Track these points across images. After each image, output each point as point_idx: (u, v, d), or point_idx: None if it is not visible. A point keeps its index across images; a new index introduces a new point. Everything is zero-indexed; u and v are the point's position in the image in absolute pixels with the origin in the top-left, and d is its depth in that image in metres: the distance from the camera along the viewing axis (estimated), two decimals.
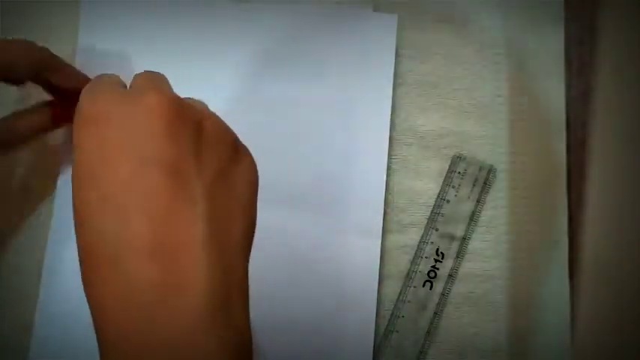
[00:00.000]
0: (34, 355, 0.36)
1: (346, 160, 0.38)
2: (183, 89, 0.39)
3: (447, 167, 0.39)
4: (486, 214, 0.39)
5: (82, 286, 0.23)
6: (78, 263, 0.24)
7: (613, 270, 0.33)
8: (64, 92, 0.32)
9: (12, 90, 0.41)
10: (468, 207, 0.39)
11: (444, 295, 0.38)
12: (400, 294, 0.38)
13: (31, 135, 0.33)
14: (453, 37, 0.41)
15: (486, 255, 0.39)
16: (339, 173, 0.38)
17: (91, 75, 0.37)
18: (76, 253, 0.23)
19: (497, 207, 0.39)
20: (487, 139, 0.40)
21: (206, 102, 0.38)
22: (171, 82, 0.39)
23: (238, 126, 0.38)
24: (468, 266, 0.38)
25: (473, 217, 0.39)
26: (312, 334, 0.37)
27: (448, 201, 0.39)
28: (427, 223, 0.39)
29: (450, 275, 0.38)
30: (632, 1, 0.34)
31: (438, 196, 0.39)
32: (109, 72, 0.32)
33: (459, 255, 0.38)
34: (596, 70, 0.37)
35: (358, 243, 0.37)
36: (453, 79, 0.40)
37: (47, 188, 0.37)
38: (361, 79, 0.39)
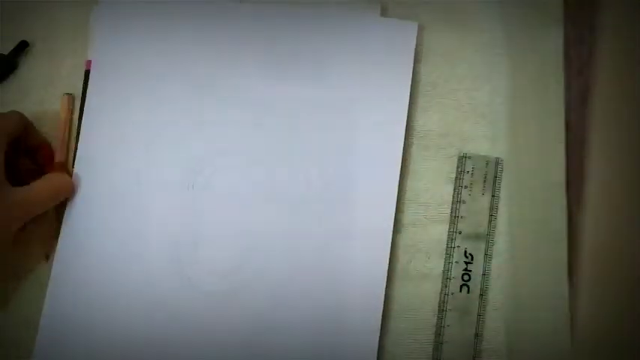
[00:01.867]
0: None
1: (361, 163, 0.38)
2: (191, 92, 0.39)
3: (447, 167, 0.39)
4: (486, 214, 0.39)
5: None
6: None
7: (612, 270, 0.33)
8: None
9: (12, 90, 0.41)
10: (484, 203, 0.39)
11: (482, 295, 0.38)
12: (440, 303, 0.38)
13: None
14: (452, 38, 0.41)
15: None
16: (353, 175, 0.38)
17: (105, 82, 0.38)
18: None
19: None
20: (486, 139, 0.40)
21: (220, 105, 0.39)
22: (178, 83, 0.39)
23: (251, 128, 0.39)
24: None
25: (492, 212, 0.39)
26: (319, 334, 0.37)
27: (464, 202, 0.39)
28: (449, 227, 0.39)
29: (483, 274, 0.38)
30: (631, 1, 0.34)
31: (454, 199, 0.39)
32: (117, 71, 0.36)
33: (487, 252, 0.38)
34: (596, 70, 0.37)
35: (368, 243, 0.37)
36: (452, 80, 0.40)
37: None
38: (379, 84, 0.39)
